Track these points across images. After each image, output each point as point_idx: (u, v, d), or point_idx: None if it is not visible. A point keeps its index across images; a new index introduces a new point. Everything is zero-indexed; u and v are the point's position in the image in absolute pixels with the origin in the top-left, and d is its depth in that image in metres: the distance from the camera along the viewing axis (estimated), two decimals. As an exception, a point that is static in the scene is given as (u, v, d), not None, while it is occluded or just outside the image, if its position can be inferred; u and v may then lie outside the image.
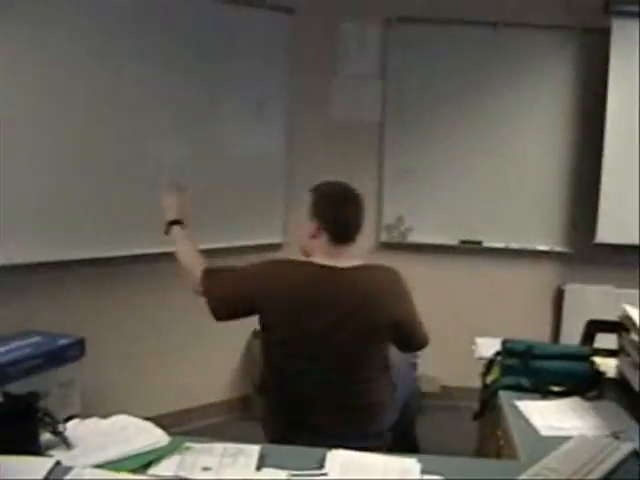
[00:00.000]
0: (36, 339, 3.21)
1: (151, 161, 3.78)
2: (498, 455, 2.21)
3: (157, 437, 1.86)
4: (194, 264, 2.56)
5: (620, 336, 2.46)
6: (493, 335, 2.83)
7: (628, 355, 2.34)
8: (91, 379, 3.36)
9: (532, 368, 2.40)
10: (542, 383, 2.36)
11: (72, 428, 1.86)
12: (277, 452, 1.82)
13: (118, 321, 3.81)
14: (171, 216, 2.66)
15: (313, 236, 2.42)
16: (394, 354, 2.57)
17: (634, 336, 2.28)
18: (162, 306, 3.97)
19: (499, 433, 2.24)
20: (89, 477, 1.59)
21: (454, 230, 4.50)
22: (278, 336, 2.39)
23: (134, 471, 1.68)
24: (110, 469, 1.67)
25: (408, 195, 4.56)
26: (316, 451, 1.80)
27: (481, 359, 2.73)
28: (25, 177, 3.30)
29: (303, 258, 2.47)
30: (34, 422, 1.75)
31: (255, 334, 4.01)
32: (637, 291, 3.84)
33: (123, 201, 3.66)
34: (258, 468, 1.71)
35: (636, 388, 2.18)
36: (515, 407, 2.24)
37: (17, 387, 2.75)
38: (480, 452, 2.76)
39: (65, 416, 2.97)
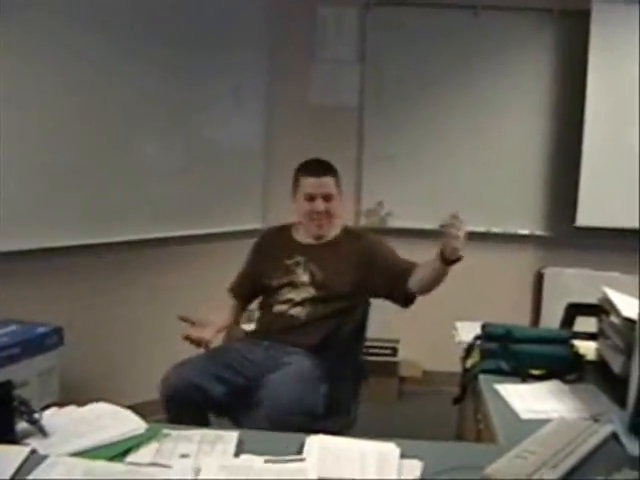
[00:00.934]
0: (13, 328, 3.19)
1: (130, 150, 3.76)
2: (478, 439, 2.21)
3: (135, 424, 1.85)
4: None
5: (600, 319, 2.46)
6: (474, 319, 2.81)
7: (608, 338, 2.34)
8: (70, 368, 3.34)
9: (512, 352, 2.39)
10: (522, 366, 2.35)
11: (49, 416, 1.85)
12: (255, 438, 1.81)
13: (97, 309, 3.77)
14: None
15: None
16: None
17: (614, 319, 2.29)
18: (142, 292, 3.95)
19: (479, 417, 2.25)
20: (64, 465, 1.57)
21: (434, 215, 4.39)
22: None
23: (111, 459, 1.67)
24: (87, 457, 1.65)
25: (388, 180, 4.55)
26: (295, 437, 1.79)
27: (461, 343, 2.72)
28: (3, 167, 3.25)
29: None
30: (9, 411, 1.73)
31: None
32: (617, 274, 3.87)
33: (100, 190, 3.64)
34: (236, 454, 1.70)
35: (616, 371, 2.18)
36: (495, 391, 2.23)
37: (-5, 376, 2.73)
38: (460, 437, 2.76)
39: (44, 404, 2.99)
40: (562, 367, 2.37)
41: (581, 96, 4.17)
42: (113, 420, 1.87)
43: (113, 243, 3.72)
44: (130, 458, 1.69)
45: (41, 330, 3.19)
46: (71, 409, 1.97)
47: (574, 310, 2.84)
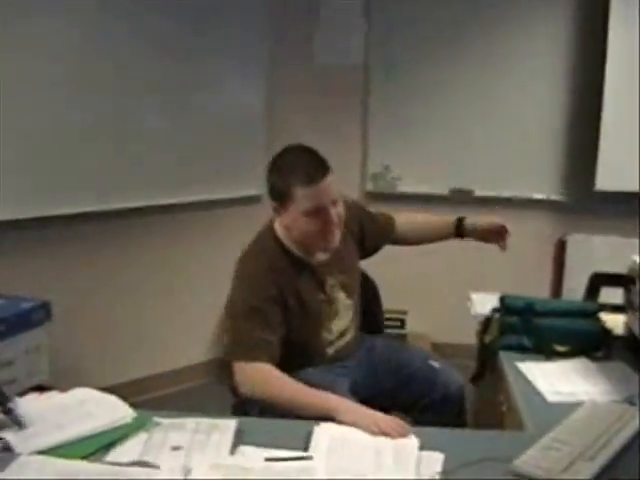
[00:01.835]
0: (-3, 303, 3.02)
1: (130, 118, 3.65)
2: (501, 423, 2.06)
3: (121, 413, 1.70)
4: None
5: (628, 290, 2.30)
6: (487, 290, 2.70)
7: (637, 311, 2.18)
8: (60, 345, 3.19)
9: (534, 326, 2.24)
10: (545, 343, 2.21)
11: (27, 404, 1.69)
12: (256, 427, 1.66)
13: (87, 283, 3.62)
14: None
15: None
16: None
17: (644, 289, 2.14)
18: (134, 265, 3.81)
19: (501, 398, 2.10)
20: (35, 465, 1.39)
21: (444, 179, 4.33)
22: None
23: (93, 454, 1.52)
24: (67, 451, 1.50)
25: (395, 142, 4.36)
26: (301, 425, 1.64)
27: (477, 316, 2.55)
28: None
29: None
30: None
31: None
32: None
33: (95, 158, 3.50)
34: (234, 446, 1.55)
35: (648, 346, 2.03)
36: (517, 369, 2.10)
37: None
38: (478, 417, 2.60)
39: (33, 384, 2.83)
40: (589, 343, 2.23)
41: (601, 53, 3.95)
42: (97, 407, 1.73)
43: (106, 212, 3.59)
44: (115, 451, 1.54)
45: (27, 305, 2.98)
46: (52, 394, 1.82)
47: (599, 280, 2.67)
